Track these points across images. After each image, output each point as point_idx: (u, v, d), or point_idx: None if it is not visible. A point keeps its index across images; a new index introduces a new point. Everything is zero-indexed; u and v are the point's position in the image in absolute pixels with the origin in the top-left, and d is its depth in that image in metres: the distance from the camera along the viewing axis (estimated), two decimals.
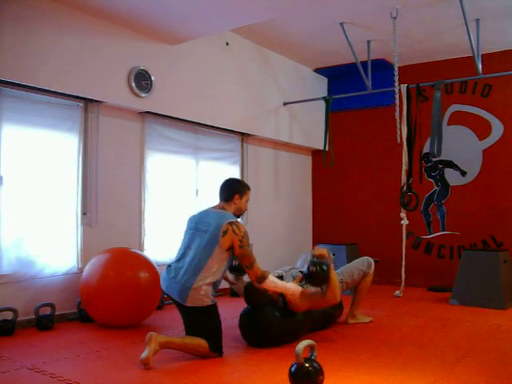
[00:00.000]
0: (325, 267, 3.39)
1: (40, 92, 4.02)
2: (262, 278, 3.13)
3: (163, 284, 3.28)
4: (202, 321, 3.10)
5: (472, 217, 6.11)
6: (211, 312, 3.13)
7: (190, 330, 3.13)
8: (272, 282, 3.19)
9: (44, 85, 3.97)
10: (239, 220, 3.30)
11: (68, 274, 4.22)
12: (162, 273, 3.33)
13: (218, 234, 3.11)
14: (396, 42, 5.30)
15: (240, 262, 3.21)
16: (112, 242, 4.35)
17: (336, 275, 3.54)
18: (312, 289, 3.48)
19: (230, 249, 3.14)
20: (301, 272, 3.79)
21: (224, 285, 3.99)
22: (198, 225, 3.26)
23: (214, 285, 3.14)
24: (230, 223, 3.14)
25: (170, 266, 3.29)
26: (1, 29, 3.70)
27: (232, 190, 3.38)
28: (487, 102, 6.10)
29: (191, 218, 3.41)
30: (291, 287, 3.32)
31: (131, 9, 4.16)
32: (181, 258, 3.23)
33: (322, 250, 3.51)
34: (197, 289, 3.05)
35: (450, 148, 5.98)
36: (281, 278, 3.67)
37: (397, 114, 5.41)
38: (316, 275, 3.39)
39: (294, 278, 3.74)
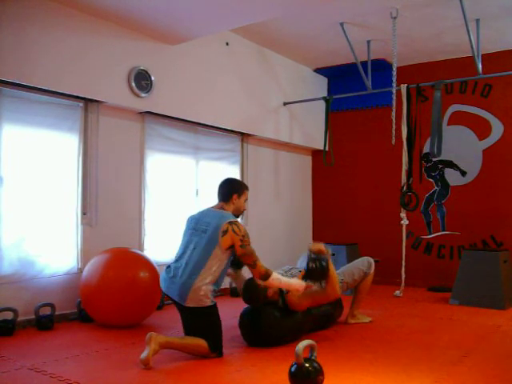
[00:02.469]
0: (324, 263, 3.41)
1: (40, 92, 4.02)
2: (267, 275, 3.15)
3: (163, 284, 3.27)
4: (202, 321, 3.10)
5: (472, 217, 6.11)
6: (211, 312, 3.12)
7: (190, 331, 3.12)
8: (276, 279, 3.20)
9: (44, 85, 3.97)
10: (238, 220, 3.30)
11: (68, 274, 4.22)
12: (162, 273, 3.33)
13: (217, 233, 3.11)
14: (396, 42, 5.30)
15: (243, 261, 3.20)
16: (112, 242, 4.35)
17: (335, 270, 3.54)
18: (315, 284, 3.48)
19: (230, 248, 3.14)
20: (300, 272, 3.78)
21: (224, 285, 3.98)
22: (197, 225, 3.25)
23: (215, 285, 3.13)
24: (230, 223, 3.14)
25: (169, 266, 3.28)
26: (1, 29, 3.69)
27: (230, 189, 3.38)
28: (487, 102, 6.09)
29: (190, 218, 3.40)
30: (295, 283, 3.33)
31: (131, 9, 4.16)
32: (180, 257, 3.23)
33: (319, 245, 3.50)
34: (196, 289, 3.05)
35: (450, 148, 5.98)
36: None
37: (393, 114, 5.39)
38: (315, 271, 3.41)
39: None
